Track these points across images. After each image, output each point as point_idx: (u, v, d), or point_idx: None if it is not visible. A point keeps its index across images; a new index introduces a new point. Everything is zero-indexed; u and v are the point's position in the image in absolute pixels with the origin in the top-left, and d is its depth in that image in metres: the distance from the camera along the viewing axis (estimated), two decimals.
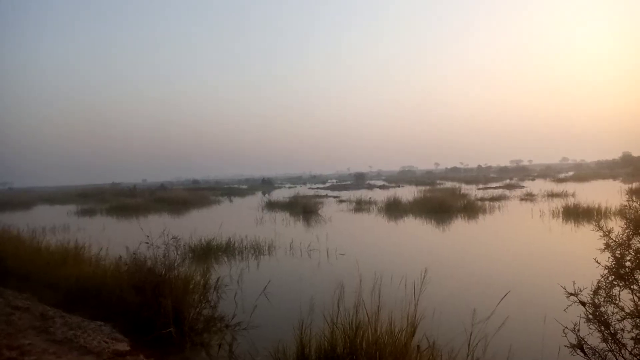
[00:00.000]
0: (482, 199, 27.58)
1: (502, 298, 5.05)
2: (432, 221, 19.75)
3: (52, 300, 7.58)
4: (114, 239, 11.89)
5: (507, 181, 54.45)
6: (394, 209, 24.14)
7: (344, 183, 73.00)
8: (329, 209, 27.19)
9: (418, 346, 4.55)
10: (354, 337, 4.42)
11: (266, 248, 13.27)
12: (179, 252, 7.98)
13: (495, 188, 41.89)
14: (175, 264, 6.68)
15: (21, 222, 17.40)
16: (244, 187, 74.74)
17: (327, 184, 74.87)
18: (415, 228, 18.56)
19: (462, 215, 21.30)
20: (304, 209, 25.40)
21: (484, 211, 22.24)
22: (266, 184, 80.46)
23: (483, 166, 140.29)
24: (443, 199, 24.79)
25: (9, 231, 14.06)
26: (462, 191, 32.16)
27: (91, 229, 19.77)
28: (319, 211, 25.11)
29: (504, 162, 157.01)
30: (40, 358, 4.39)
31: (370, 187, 57.55)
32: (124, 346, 5.36)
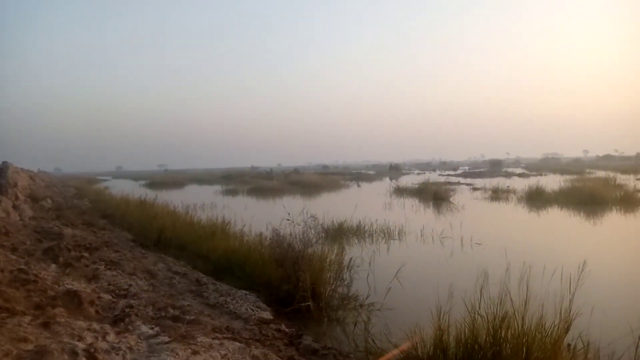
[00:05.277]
0: None
1: None
2: (582, 213, 17.75)
3: (203, 268, 8.41)
4: (255, 217, 12.79)
5: None
6: (536, 199, 22.17)
7: (477, 170, 69.16)
8: (462, 196, 26.00)
9: (569, 345, 4.13)
10: (499, 328, 4.15)
11: (396, 233, 13.15)
12: (314, 232, 8.29)
13: None
14: (312, 242, 6.95)
15: (176, 199, 19.58)
16: (372, 172, 75.02)
17: (459, 171, 71.52)
18: (563, 220, 16.87)
19: (619, 208, 18.81)
20: (434, 196, 24.60)
21: None
22: (394, 170, 79.60)
23: None
24: (594, 188, 22.08)
25: (167, 207, 16.03)
26: (618, 181, 28.35)
27: (234, 207, 21.51)
28: (451, 198, 24.14)
29: None
30: (198, 318, 4.87)
31: (508, 175, 53.53)
32: (267, 315, 5.74)
